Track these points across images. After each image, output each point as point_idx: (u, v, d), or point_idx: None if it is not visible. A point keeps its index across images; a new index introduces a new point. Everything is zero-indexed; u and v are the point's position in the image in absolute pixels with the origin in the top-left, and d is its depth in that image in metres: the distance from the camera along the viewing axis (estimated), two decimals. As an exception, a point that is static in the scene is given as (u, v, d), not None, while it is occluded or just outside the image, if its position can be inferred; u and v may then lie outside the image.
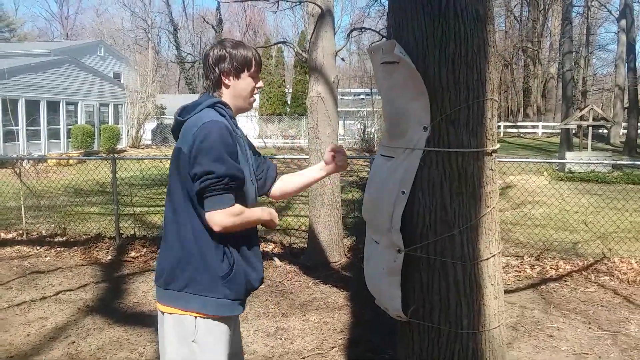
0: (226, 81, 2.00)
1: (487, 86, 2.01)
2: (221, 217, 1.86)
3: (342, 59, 6.48)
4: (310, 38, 5.71)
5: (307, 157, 6.24)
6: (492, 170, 2.06)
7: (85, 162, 15.20)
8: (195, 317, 1.93)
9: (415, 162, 1.99)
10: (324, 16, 5.55)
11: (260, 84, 2.08)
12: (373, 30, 7.59)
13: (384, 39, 7.53)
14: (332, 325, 4.21)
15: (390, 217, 2.01)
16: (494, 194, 2.07)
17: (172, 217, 1.97)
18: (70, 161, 16.60)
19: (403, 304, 2.04)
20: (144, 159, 9.05)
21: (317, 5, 5.49)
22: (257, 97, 2.13)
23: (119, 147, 24.79)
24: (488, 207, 2.05)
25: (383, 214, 2.04)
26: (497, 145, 2.10)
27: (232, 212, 1.88)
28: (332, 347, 3.82)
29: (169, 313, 1.97)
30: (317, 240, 5.81)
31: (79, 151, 21.43)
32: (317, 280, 5.29)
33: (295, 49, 6.44)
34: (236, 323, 2.15)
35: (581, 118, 16.78)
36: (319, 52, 5.61)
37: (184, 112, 2.01)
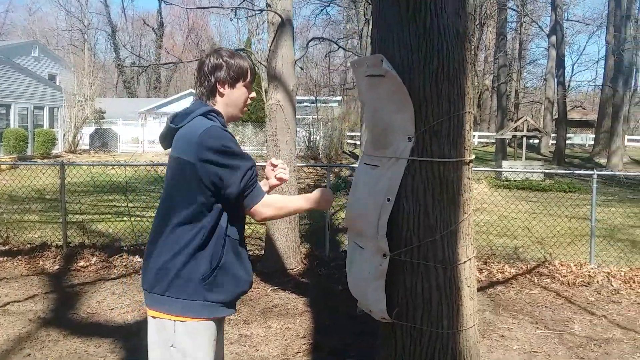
0: (221, 89, 2.03)
1: (466, 100, 2.15)
2: (260, 208, 1.97)
3: (301, 68, 6.56)
4: (270, 47, 5.75)
5: (264, 164, 6.25)
6: (469, 178, 2.20)
7: (18, 167, 14.48)
8: (174, 320, 1.93)
9: (400, 170, 2.10)
10: (284, 25, 5.62)
11: (253, 94, 2.13)
12: (331, 41, 7.74)
13: (341, 48, 7.63)
14: (294, 331, 4.25)
15: (376, 223, 2.10)
16: (470, 201, 2.21)
17: (164, 223, 1.97)
18: (2, 167, 15.75)
19: (387, 306, 2.14)
20: (96, 165, 8.73)
21: (278, 14, 5.55)
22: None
23: (55, 152, 23.71)
24: (465, 213, 2.18)
25: (369, 220, 2.13)
26: (473, 156, 2.24)
27: (265, 202, 1.99)
28: (297, 353, 3.86)
29: (152, 317, 1.98)
30: (274, 247, 5.84)
31: (11, 156, 20.34)
32: (275, 287, 5.31)
33: (252, 57, 6.46)
34: (220, 328, 2.13)
35: (516, 129, 17.67)
36: (279, 61, 5.66)
37: (177, 119, 2.02)
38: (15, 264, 6.01)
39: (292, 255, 5.88)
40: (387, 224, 2.09)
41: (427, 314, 2.13)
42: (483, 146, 33.48)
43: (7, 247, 6.62)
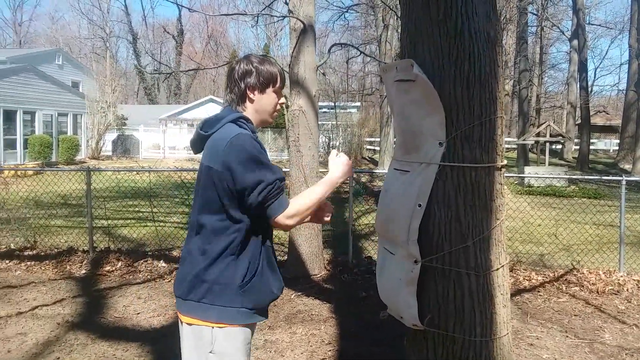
0: (251, 95, 2.04)
1: (497, 104, 2.12)
2: (283, 220, 1.93)
3: (323, 74, 6.57)
4: (292, 52, 5.77)
5: (286, 169, 6.27)
6: (501, 184, 2.17)
7: (42, 173, 14.73)
8: (213, 327, 1.95)
9: (432, 176, 2.08)
10: (306, 31, 5.64)
11: (282, 100, 2.13)
12: (353, 47, 7.73)
13: (361, 54, 7.60)
14: (319, 337, 4.23)
15: (407, 229, 2.08)
16: (502, 207, 2.18)
17: (198, 231, 1.99)
18: (28, 172, 16.06)
19: (419, 313, 2.11)
20: (120, 170, 8.86)
21: (300, 20, 5.57)
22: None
23: (78, 158, 24.09)
24: (498, 219, 2.15)
25: (399, 226, 2.12)
26: (505, 161, 2.21)
27: (288, 213, 1.94)
28: (322, 359, 3.85)
29: (188, 324, 1.99)
30: (298, 253, 5.84)
31: (36, 162, 20.72)
32: (299, 293, 5.31)
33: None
34: (253, 333, 2.15)
35: (538, 134, 17.45)
36: (301, 66, 5.68)
37: (206, 125, 2.03)
38: (43, 268, 6.11)
39: (316, 261, 5.87)
40: (418, 230, 2.07)
41: (460, 321, 2.10)
42: (504, 152, 33.09)
43: (34, 251, 6.74)
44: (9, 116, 21.08)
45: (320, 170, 6.49)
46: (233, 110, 2.05)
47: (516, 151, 23.33)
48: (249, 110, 2.06)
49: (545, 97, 44.21)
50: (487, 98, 2.09)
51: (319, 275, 5.82)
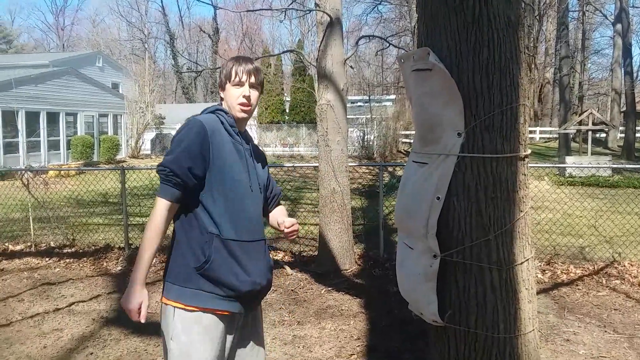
0: (221, 93, 2.18)
1: (520, 91, 2.03)
2: (157, 203, 1.97)
3: (351, 67, 6.51)
4: (319, 46, 5.74)
5: (315, 164, 6.25)
6: (524, 175, 2.08)
7: (84, 173, 15.19)
8: (174, 307, 1.98)
9: (450, 167, 2.01)
10: (333, 25, 5.59)
11: (245, 91, 2.11)
12: (381, 38, 7.63)
13: (391, 46, 7.48)
14: (348, 333, 4.20)
15: (425, 223, 2.02)
16: (526, 199, 2.09)
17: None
18: (70, 172, 16.59)
19: (439, 308, 2.05)
20: (151, 168, 9.04)
21: (327, 13, 5.53)
22: (251, 106, 2.14)
23: (119, 157, 24.73)
24: (521, 211, 2.06)
25: (418, 220, 2.06)
26: (529, 151, 2.12)
27: (160, 205, 1.96)
28: (351, 354, 3.82)
29: (162, 303, 2.05)
30: (328, 247, 5.81)
31: (79, 162, 21.38)
32: (329, 288, 5.29)
33: (302, 58, 6.47)
34: (231, 325, 2.08)
35: (580, 123, 16.88)
36: (328, 60, 5.64)
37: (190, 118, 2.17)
38: (81, 265, 6.29)
39: (346, 255, 5.83)
40: (437, 224, 2.00)
41: (482, 317, 2.02)
42: (545, 142, 32.18)
43: (73, 249, 6.94)
44: (53, 118, 21.79)
45: (349, 164, 6.45)
46: (218, 105, 2.18)
47: (557, 140, 22.64)
48: (224, 107, 2.16)
49: (589, 84, 42.79)
50: (508, 85, 2.00)
51: (349, 270, 5.78)
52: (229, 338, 2.08)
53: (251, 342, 2.21)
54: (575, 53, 37.42)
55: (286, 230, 2.22)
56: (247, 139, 2.19)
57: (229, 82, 2.11)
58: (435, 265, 2.02)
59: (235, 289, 2.00)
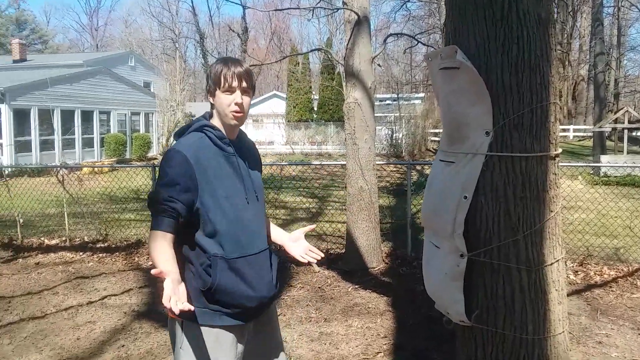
0: (211, 100, 2.03)
1: (550, 90, 2.00)
2: (150, 236, 1.93)
3: (379, 65, 6.48)
4: (347, 45, 5.73)
5: (343, 162, 6.25)
6: (555, 174, 2.05)
7: (117, 170, 15.52)
8: (182, 321, 1.98)
9: (478, 167, 1.99)
10: (361, 23, 5.58)
11: (237, 99, 1.98)
12: (409, 36, 7.57)
13: (419, 44, 7.39)
14: (375, 331, 4.20)
15: (452, 222, 2.01)
16: (557, 199, 2.06)
17: None
18: (103, 169, 16.98)
19: (466, 308, 2.04)
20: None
21: (354, 12, 5.52)
22: (244, 113, 2.03)
23: (150, 154, 25.19)
24: (552, 211, 2.03)
25: (445, 219, 2.05)
26: (560, 150, 2.09)
27: (152, 237, 1.91)
28: (377, 352, 3.81)
29: (169, 317, 2.07)
30: (355, 245, 5.81)
31: (111, 159, 21.86)
32: (356, 286, 5.29)
33: (330, 56, 6.46)
34: (242, 337, 2.08)
35: (616, 121, 16.45)
36: (356, 59, 5.63)
37: (177, 133, 2.08)
38: (114, 259, 6.44)
39: (373, 254, 5.82)
40: (465, 223, 1.99)
41: (510, 318, 2.00)
42: (579, 140, 31.45)
43: (106, 244, 7.11)
44: (87, 116, 22.32)
45: (377, 162, 6.43)
46: (202, 118, 2.06)
47: (592, 139, 22.09)
48: (215, 116, 2.05)
49: (625, 81, 41.61)
50: (538, 84, 1.98)
51: (376, 268, 5.77)
52: (240, 347, 2.07)
53: (269, 346, 2.21)
54: (611, 50, 36.43)
55: (307, 255, 2.20)
56: (241, 142, 2.12)
57: (219, 88, 1.97)
58: (462, 264, 2.01)
59: (243, 307, 2.00)
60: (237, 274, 1.96)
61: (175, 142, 2.04)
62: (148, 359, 3.73)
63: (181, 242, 1.96)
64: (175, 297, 1.81)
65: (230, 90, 1.97)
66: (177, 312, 1.80)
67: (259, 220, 2.09)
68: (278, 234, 2.31)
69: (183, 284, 1.91)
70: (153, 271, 1.79)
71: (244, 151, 2.10)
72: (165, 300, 1.78)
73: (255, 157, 2.20)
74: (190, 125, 2.05)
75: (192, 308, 1.84)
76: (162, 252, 1.88)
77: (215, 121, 2.04)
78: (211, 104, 2.04)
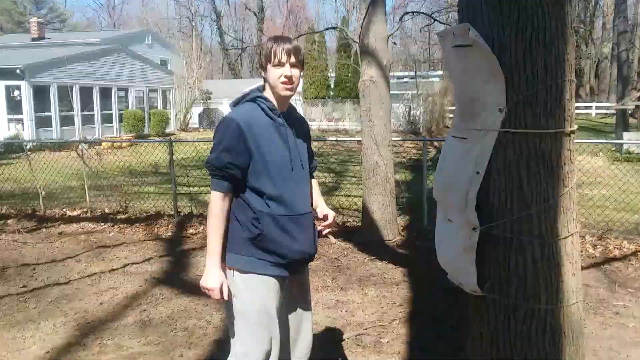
0: (263, 74, 2.24)
1: (566, 67, 2.00)
2: (211, 195, 2.18)
3: (395, 43, 6.46)
4: (362, 23, 5.73)
5: (359, 139, 6.28)
6: (570, 150, 2.06)
7: (136, 145, 15.71)
8: (234, 271, 2.22)
9: (491, 143, 2.01)
10: (376, 1, 5.57)
11: (286, 72, 2.18)
12: (426, 14, 7.51)
13: (435, 22, 7.32)
14: (390, 300, 4.28)
15: (465, 197, 2.04)
16: (572, 174, 2.07)
17: None
18: (123, 144, 17.19)
19: (478, 280, 2.08)
20: (197, 141, 9.30)
21: (371, -12, 5.49)
22: (294, 84, 2.22)
23: (168, 130, 25.41)
24: (566, 186, 2.05)
25: (457, 193, 2.08)
26: (575, 126, 2.09)
27: (214, 197, 2.17)
28: (393, 320, 3.89)
29: (228, 269, 2.27)
30: (371, 218, 5.87)
31: (130, 135, 22.10)
32: (372, 257, 5.36)
33: (346, 34, 6.46)
34: (282, 287, 2.31)
35: (639, 98, 16.13)
36: (371, 37, 5.64)
37: (233, 103, 2.29)
38: (134, 230, 6.59)
39: (390, 226, 5.89)
40: (477, 198, 2.02)
41: (523, 289, 2.04)
42: (602, 117, 30.92)
43: (126, 215, 7.28)
44: (105, 93, 22.56)
45: (394, 138, 6.44)
46: (256, 90, 2.26)
47: (615, 117, 21.73)
48: (267, 88, 2.24)
49: (649, 59, 40.52)
50: (553, 61, 1.97)
51: (393, 241, 5.83)
52: (281, 299, 2.30)
53: (298, 307, 2.41)
54: (635, 27, 35.46)
55: (322, 225, 2.42)
56: (290, 114, 2.30)
57: (270, 63, 2.17)
58: (475, 237, 2.04)
59: (286, 257, 2.20)
60: (282, 229, 2.18)
61: (230, 111, 2.24)
62: (169, 323, 3.86)
63: (233, 199, 2.19)
64: (226, 284, 2.18)
65: (280, 64, 2.16)
66: (226, 298, 2.15)
67: (303, 186, 2.29)
68: (316, 203, 2.51)
69: (222, 271, 2.18)
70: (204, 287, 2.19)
71: (293, 123, 2.31)
72: (217, 285, 2.15)
73: (305, 129, 2.40)
74: (245, 96, 2.24)
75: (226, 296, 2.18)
76: (219, 225, 2.16)
77: (267, 94, 2.24)
78: (263, 78, 2.23)
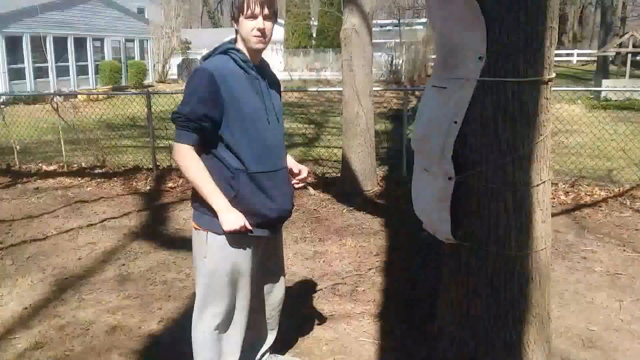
0: (235, 26, 2.13)
1: (547, 14, 1.95)
2: (175, 148, 2.08)
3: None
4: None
5: (340, 89, 6.19)
6: (547, 99, 2.05)
7: (112, 97, 15.37)
8: (207, 232, 2.14)
9: (469, 92, 1.99)
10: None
11: (259, 24, 2.07)
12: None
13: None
14: (368, 249, 4.33)
15: (442, 146, 2.04)
16: (547, 122, 2.07)
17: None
18: (99, 96, 16.80)
19: (452, 227, 2.10)
20: (176, 93, 9.11)
21: None
22: (266, 37, 2.12)
23: (146, 82, 24.79)
24: (541, 135, 2.05)
25: (434, 143, 2.07)
26: (553, 74, 2.07)
27: (184, 149, 2.05)
28: (369, 269, 3.95)
29: (194, 228, 2.20)
30: (351, 169, 5.87)
31: (107, 87, 21.56)
32: (351, 208, 5.39)
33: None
34: (266, 244, 2.31)
35: (620, 45, 16.10)
36: (354, -19, 5.44)
37: (204, 57, 2.18)
38: (112, 185, 6.52)
39: (368, 177, 5.90)
40: (454, 147, 2.01)
41: (494, 236, 2.07)
42: (583, 64, 30.91)
43: (104, 169, 7.18)
44: (80, 43, 21.78)
45: (375, 88, 6.36)
46: (228, 42, 2.16)
47: (595, 63, 21.69)
48: (239, 39, 2.15)
49: (633, 4, 40.25)
50: (535, 8, 1.92)
51: (371, 191, 5.86)
52: (256, 258, 2.27)
53: (272, 265, 2.42)
54: (621, -30, 34.97)
55: (297, 178, 2.36)
56: (263, 68, 2.22)
57: (242, 14, 2.06)
58: (450, 187, 2.05)
59: (264, 217, 2.15)
60: (258, 186, 2.11)
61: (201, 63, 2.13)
62: (148, 276, 3.87)
63: (204, 157, 2.09)
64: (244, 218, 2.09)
65: (253, 16, 2.06)
66: (249, 228, 2.10)
67: (279, 141, 2.22)
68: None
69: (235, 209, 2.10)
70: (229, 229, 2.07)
71: (266, 76, 2.22)
72: (241, 223, 2.07)
73: (276, 83, 2.33)
74: (216, 49, 2.15)
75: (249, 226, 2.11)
76: (201, 169, 2.05)
77: (240, 46, 2.14)
78: (235, 30, 2.13)
